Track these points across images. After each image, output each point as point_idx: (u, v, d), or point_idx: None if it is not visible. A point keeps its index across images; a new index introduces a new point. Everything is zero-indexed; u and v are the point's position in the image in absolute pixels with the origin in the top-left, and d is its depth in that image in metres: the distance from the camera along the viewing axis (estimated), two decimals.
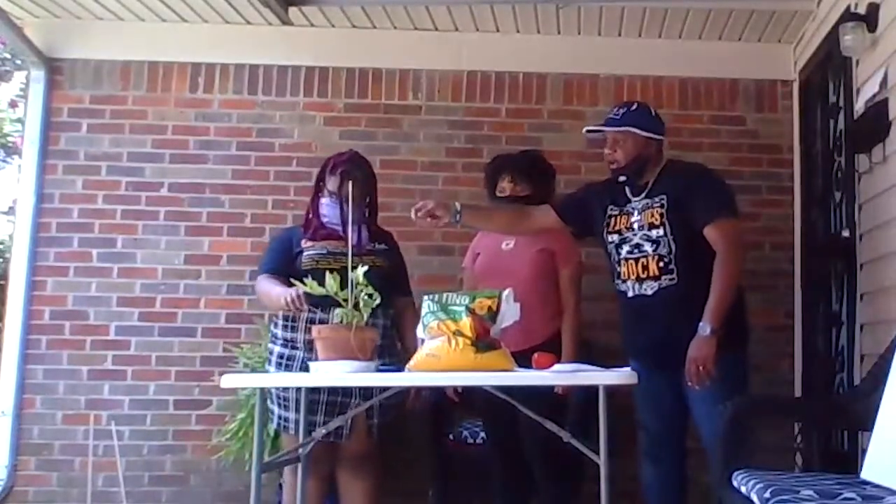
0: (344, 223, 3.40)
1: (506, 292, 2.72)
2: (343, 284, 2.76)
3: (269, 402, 3.44)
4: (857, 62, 3.79)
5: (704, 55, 4.85)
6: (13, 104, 9.23)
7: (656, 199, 3.39)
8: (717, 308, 3.22)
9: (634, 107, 3.54)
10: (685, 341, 3.24)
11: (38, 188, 4.77)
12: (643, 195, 3.43)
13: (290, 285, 3.17)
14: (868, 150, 3.60)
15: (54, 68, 4.86)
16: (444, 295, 2.73)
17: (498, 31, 4.86)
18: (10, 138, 9.50)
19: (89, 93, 4.87)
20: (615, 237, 3.46)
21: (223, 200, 4.81)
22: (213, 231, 4.79)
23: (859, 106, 3.72)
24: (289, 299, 3.20)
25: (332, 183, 3.55)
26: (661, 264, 3.33)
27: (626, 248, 3.42)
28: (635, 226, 3.40)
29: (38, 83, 4.83)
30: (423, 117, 4.88)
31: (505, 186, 3.82)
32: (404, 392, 3.49)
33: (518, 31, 4.86)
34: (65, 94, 4.86)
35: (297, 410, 3.34)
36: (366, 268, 2.79)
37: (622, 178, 3.45)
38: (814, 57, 4.46)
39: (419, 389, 3.59)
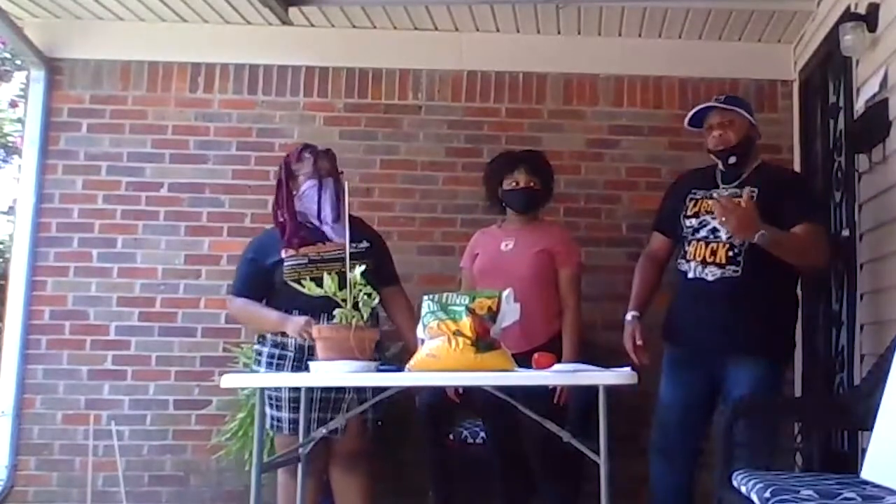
0: (321, 206, 3.37)
1: (506, 292, 2.72)
2: (342, 285, 2.76)
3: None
4: (857, 62, 3.79)
5: (704, 55, 4.85)
6: (13, 104, 9.23)
7: (745, 190, 3.36)
8: (780, 236, 3.16)
9: (734, 95, 3.63)
10: (733, 334, 3.26)
11: (38, 188, 4.77)
12: (734, 184, 3.42)
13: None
14: (868, 150, 3.60)
15: (54, 68, 4.86)
16: (444, 295, 2.73)
17: (498, 31, 4.86)
18: (10, 138, 9.51)
19: (89, 93, 4.87)
20: (693, 221, 3.44)
21: (223, 200, 4.82)
22: (213, 231, 4.79)
23: (859, 106, 3.72)
24: (302, 333, 3.20)
25: (305, 166, 3.44)
26: (731, 253, 3.31)
27: (702, 231, 3.40)
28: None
29: (38, 83, 4.83)
30: (423, 117, 4.88)
31: (519, 179, 3.79)
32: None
33: (518, 31, 4.86)
34: (65, 94, 4.86)
35: (289, 410, 3.33)
36: (363, 268, 2.78)
37: (733, 160, 3.42)
38: (814, 57, 4.46)
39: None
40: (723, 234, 3.32)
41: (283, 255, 3.37)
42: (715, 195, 3.36)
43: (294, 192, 3.44)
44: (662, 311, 3.59)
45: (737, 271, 3.30)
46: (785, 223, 3.25)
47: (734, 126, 3.42)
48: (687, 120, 3.59)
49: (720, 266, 3.32)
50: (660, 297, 3.63)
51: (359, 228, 3.38)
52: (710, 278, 3.33)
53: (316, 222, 3.42)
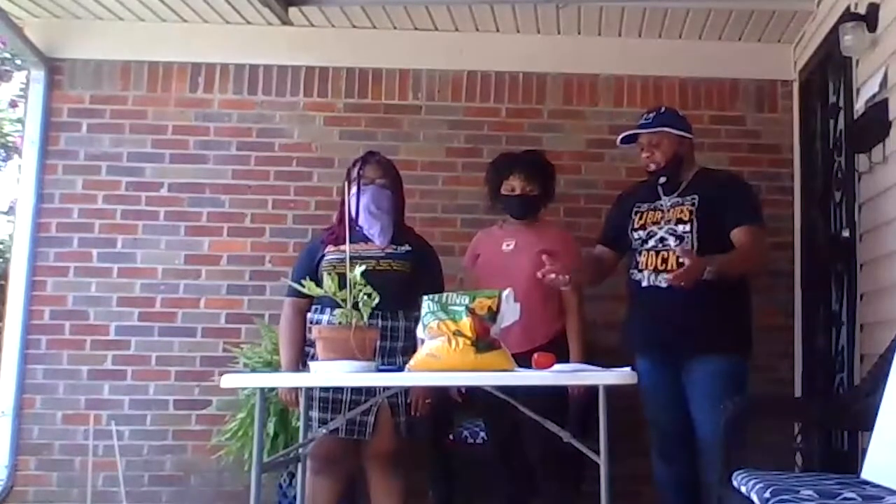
0: (358, 211, 3.47)
1: (506, 292, 2.71)
2: (343, 285, 2.76)
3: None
4: (857, 62, 3.79)
5: (704, 55, 4.85)
6: (13, 104, 9.23)
7: (688, 199, 3.51)
8: (724, 261, 3.29)
9: (663, 109, 3.71)
10: (691, 335, 3.33)
11: (38, 188, 4.77)
12: (675, 194, 3.55)
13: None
14: (868, 150, 3.60)
15: (54, 68, 4.86)
16: (444, 295, 2.72)
17: (498, 31, 4.86)
18: (10, 138, 9.51)
19: (89, 93, 4.87)
20: (641, 233, 3.56)
21: (223, 200, 4.82)
22: (213, 231, 4.79)
23: (859, 106, 3.72)
24: (285, 395, 3.53)
25: (352, 173, 3.57)
26: (682, 260, 3.34)
27: (651, 241, 3.52)
28: (663, 221, 3.50)
29: (38, 83, 4.83)
30: (423, 117, 4.88)
31: (515, 185, 3.80)
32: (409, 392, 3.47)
33: (518, 31, 4.86)
34: (65, 94, 4.87)
35: (319, 410, 3.33)
36: (363, 268, 2.78)
37: (663, 179, 3.56)
38: (814, 57, 4.46)
39: (425, 396, 3.47)
40: (671, 242, 3.45)
41: (325, 250, 3.49)
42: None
43: (352, 196, 3.55)
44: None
45: None
46: (726, 227, 3.42)
47: (661, 146, 3.55)
48: (619, 140, 3.70)
49: (672, 272, 3.37)
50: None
51: (406, 235, 3.57)
52: (663, 285, 3.40)
53: (364, 226, 3.50)
